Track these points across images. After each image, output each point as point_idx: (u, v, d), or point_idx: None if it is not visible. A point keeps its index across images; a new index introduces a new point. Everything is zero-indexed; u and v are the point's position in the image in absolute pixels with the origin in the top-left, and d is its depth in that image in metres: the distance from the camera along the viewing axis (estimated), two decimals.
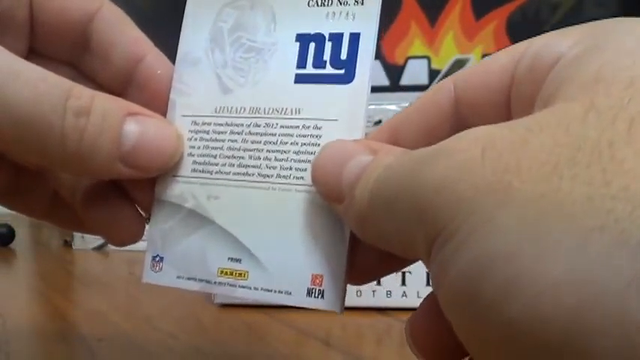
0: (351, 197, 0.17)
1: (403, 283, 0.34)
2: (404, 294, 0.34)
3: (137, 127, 0.19)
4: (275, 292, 0.19)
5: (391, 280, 0.34)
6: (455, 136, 0.14)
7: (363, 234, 0.17)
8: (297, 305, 0.19)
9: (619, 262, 0.10)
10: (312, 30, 0.20)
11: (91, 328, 0.33)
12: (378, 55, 0.74)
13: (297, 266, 0.19)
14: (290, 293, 0.19)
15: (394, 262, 0.20)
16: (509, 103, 0.17)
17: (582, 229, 0.11)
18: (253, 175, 0.20)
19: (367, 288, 0.34)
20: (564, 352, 0.11)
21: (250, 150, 0.20)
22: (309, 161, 0.19)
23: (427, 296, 0.18)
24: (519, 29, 0.72)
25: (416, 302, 0.34)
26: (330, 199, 0.18)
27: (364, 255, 0.19)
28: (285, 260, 0.19)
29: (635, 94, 0.12)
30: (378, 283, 0.34)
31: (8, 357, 0.29)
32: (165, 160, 0.20)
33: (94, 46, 0.22)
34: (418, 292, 0.34)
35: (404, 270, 0.34)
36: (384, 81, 0.74)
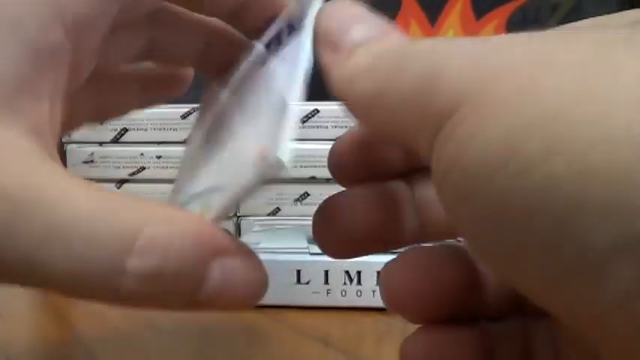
0: (350, 52, 0.16)
1: None
2: None
3: (220, 275, 0.16)
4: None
5: None
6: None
7: (351, 90, 0.15)
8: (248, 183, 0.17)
9: None
10: None
11: (91, 328, 0.33)
12: None
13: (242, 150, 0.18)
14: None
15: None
16: None
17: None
18: None
19: (367, 288, 0.34)
20: (612, 207, 0.10)
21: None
22: None
23: (409, 249, 0.18)
24: (519, 29, 0.72)
25: None
26: (326, 43, 0.17)
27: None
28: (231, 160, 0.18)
29: None
30: (379, 283, 0.34)
31: (8, 357, 0.29)
32: (246, 304, 0.17)
33: None
34: None
35: None
36: None
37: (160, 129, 0.52)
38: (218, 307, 0.16)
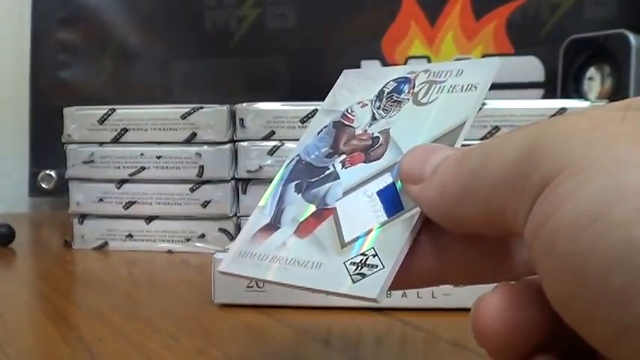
0: (434, 173, 0.18)
1: None
2: (404, 294, 0.34)
3: None
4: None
5: None
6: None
7: (441, 207, 0.18)
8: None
9: None
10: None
11: (91, 328, 0.33)
12: (378, 55, 0.74)
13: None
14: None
15: (443, 272, 0.20)
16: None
17: None
18: None
19: None
20: None
21: None
22: None
23: (505, 286, 0.17)
24: (519, 29, 0.72)
25: (416, 302, 0.34)
26: (410, 179, 0.19)
27: (420, 257, 0.20)
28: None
29: None
30: None
31: (8, 357, 0.29)
32: None
33: None
34: (418, 293, 0.34)
35: None
36: None
37: (160, 129, 0.52)
38: None
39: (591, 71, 0.64)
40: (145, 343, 0.30)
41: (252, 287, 0.35)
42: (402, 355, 0.30)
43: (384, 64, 0.74)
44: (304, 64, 0.74)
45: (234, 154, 0.51)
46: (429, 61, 0.74)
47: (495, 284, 0.17)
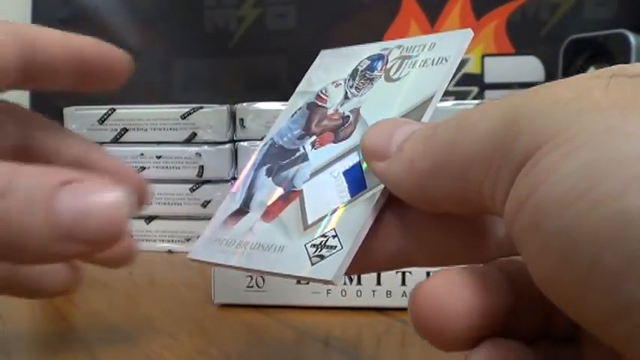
0: (400, 149, 0.17)
1: (403, 283, 0.34)
2: (404, 294, 0.34)
3: (71, 197, 0.16)
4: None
5: (391, 280, 0.34)
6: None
7: (409, 185, 0.17)
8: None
9: None
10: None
11: (91, 328, 0.33)
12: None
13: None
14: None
15: (409, 254, 0.19)
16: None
17: None
18: None
19: (367, 288, 0.34)
20: None
21: None
22: None
23: (447, 270, 0.17)
24: (519, 29, 0.72)
25: None
26: (375, 156, 0.18)
27: (384, 238, 0.19)
28: None
29: None
30: (379, 283, 0.34)
31: (8, 357, 0.29)
32: (116, 229, 0.16)
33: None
34: None
35: (404, 270, 0.34)
36: None
37: (160, 129, 0.52)
38: (89, 237, 0.16)
39: (591, 71, 0.64)
40: (145, 343, 0.30)
41: (252, 287, 0.35)
42: (402, 355, 0.30)
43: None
44: (304, 64, 0.73)
45: (234, 154, 0.51)
46: None
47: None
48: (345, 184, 0.20)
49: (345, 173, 0.21)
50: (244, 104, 0.51)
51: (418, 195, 0.17)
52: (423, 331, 0.16)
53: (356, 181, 0.20)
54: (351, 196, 0.20)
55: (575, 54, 0.65)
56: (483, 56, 0.73)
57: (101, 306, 0.37)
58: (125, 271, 0.48)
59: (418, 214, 0.18)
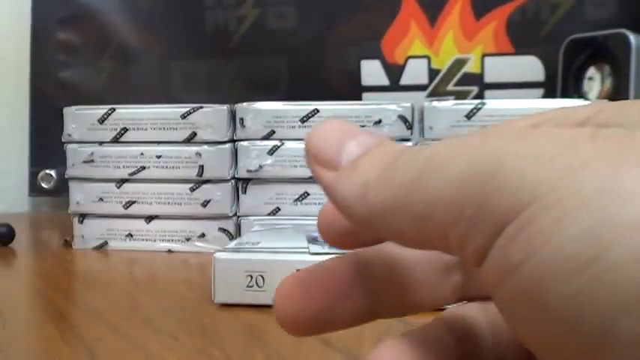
0: (353, 167, 0.15)
1: None
2: None
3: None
4: None
5: None
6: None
7: (359, 211, 0.15)
8: None
9: None
10: None
11: (90, 328, 0.33)
12: (378, 55, 0.74)
13: None
14: None
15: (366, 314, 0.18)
16: None
17: None
18: None
19: None
20: None
21: None
22: None
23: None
24: (519, 29, 0.72)
25: None
26: (321, 162, 0.16)
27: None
28: None
29: None
30: None
31: (8, 357, 0.29)
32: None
33: None
34: None
35: None
36: (384, 81, 0.74)
37: (160, 128, 0.52)
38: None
39: (591, 71, 0.64)
40: (145, 343, 0.30)
41: (252, 287, 0.35)
42: None
43: (385, 63, 0.74)
44: (304, 64, 0.74)
45: (234, 153, 0.51)
46: (430, 60, 0.74)
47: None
48: None
49: None
50: (244, 104, 0.51)
51: (365, 221, 0.15)
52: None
53: None
54: None
55: (575, 54, 0.65)
56: (483, 56, 0.73)
57: (101, 306, 0.37)
58: (125, 270, 0.48)
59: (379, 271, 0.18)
